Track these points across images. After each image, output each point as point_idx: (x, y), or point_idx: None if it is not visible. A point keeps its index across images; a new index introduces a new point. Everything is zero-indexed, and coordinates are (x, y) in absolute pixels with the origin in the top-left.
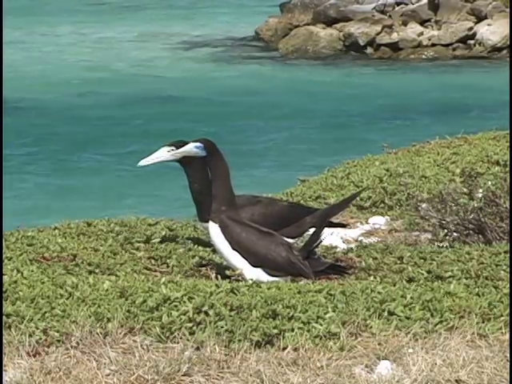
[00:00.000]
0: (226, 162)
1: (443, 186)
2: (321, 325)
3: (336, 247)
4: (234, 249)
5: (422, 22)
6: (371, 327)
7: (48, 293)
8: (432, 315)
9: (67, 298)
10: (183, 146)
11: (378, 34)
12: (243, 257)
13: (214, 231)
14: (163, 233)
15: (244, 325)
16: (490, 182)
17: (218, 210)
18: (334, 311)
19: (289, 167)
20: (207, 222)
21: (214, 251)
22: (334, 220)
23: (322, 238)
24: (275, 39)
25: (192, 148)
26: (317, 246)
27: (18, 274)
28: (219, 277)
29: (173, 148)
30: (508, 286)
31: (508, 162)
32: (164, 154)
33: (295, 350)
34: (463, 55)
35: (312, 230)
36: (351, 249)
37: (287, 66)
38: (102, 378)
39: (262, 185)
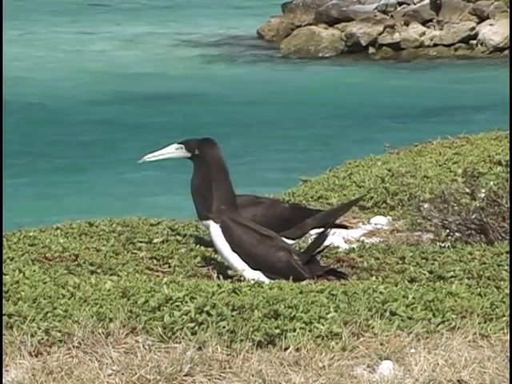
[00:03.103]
0: (225, 161)
1: (445, 186)
2: (323, 325)
3: (338, 247)
4: (234, 251)
5: (424, 22)
6: (373, 327)
7: (50, 293)
8: (434, 315)
9: (69, 298)
10: (192, 143)
11: (379, 34)
12: (243, 259)
13: (215, 231)
14: (165, 233)
15: (246, 325)
16: (491, 182)
17: (218, 210)
18: (335, 311)
19: (291, 167)
20: (206, 219)
21: (216, 251)
22: (336, 222)
23: (325, 244)
24: (277, 39)
25: (172, 149)
26: (319, 253)
27: (19, 274)
28: (221, 277)
29: (182, 146)
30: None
31: (510, 162)
32: (165, 151)
33: (297, 350)
34: (465, 55)
35: (313, 232)
36: (353, 249)
37: (289, 66)
38: (104, 378)
39: (263, 184)
